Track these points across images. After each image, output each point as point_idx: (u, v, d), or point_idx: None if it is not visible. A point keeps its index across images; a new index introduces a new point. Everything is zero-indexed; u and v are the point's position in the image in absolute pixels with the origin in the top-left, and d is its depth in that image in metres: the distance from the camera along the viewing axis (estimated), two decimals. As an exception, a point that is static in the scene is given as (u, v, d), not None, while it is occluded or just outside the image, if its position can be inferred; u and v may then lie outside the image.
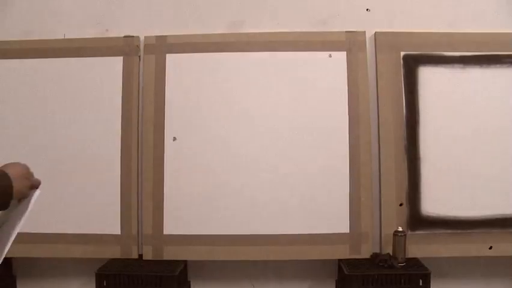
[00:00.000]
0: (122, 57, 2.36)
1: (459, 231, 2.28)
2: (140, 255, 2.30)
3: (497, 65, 2.33)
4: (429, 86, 2.33)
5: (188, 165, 2.31)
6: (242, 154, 2.33)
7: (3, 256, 1.25)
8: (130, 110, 2.34)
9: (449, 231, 2.28)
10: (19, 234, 2.45)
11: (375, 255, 2.27)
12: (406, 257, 2.20)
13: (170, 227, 2.30)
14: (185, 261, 2.32)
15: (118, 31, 2.40)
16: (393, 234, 2.21)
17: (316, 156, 2.31)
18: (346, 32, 2.37)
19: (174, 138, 2.30)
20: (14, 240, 2.42)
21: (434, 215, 2.29)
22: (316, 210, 2.29)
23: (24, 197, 1.21)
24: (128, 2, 2.45)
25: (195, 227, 2.26)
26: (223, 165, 2.32)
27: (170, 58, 2.36)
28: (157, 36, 2.38)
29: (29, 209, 1.23)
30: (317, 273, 2.43)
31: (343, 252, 2.28)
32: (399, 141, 2.32)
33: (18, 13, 2.47)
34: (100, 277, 2.14)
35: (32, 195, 1.24)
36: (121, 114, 2.34)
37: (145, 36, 2.40)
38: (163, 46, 2.37)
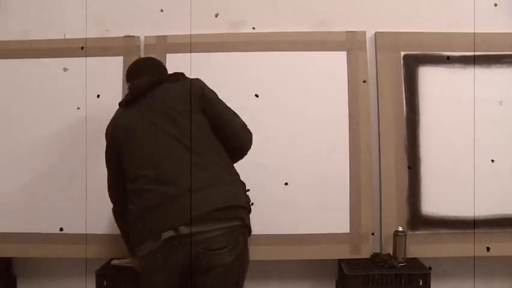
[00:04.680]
0: (122, 57, 2.36)
1: (459, 231, 2.28)
2: (141, 255, 2.30)
3: (497, 65, 2.34)
4: (429, 86, 2.33)
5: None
6: (242, 154, 2.33)
7: None
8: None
9: (449, 231, 2.28)
10: (19, 234, 2.46)
11: (375, 255, 2.27)
12: (406, 257, 2.20)
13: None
14: (185, 261, 2.32)
15: (118, 31, 2.41)
16: (394, 234, 2.21)
17: (317, 156, 2.31)
18: (346, 32, 2.37)
19: None
20: (13, 240, 2.44)
21: (434, 215, 2.29)
22: (317, 210, 2.29)
23: None
24: (128, 2, 2.46)
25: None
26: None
27: (170, 58, 2.36)
28: (157, 36, 2.38)
29: None
30: (317, 273, 2.43)
31: (343, 252, 2.28)
32: (400, 141, 2.32)
33: (18, 13, 2.47)
34: (100, 277, 2.14)
35: None
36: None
37: (145, 36, 2.40)
38: (163, 46, 2.38)
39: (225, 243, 1.64)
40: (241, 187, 1.78)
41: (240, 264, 1.70)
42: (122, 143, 1.77)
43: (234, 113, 1.85)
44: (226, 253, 1.64)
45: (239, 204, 1.69)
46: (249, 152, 2.30)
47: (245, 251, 1.73)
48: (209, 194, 1.64)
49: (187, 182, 1.62)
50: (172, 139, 1.69)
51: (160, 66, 1.98)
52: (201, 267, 1.64)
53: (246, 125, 1.86)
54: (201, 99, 1.76)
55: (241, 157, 1.88)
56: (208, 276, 1.65)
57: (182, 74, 1.87)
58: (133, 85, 1.84)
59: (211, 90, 1.84)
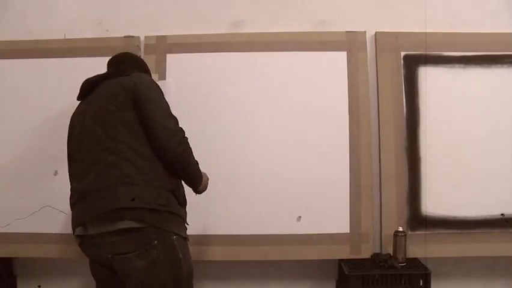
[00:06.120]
0: (122, 57, 2.36)
1: (459, 231, 2.28)
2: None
3: (497, 65, 2.34)
4: (429, 86, 2.33)
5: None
6: (241, 154, 2.33)
7: None
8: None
9: (449, 231, 2.28)
10: (19, 234, 2.45)
11: (375, 255, 2.27)
12: (406, 257, 2.21)
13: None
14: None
15: (118, 31, 2.41)
16: (394, 234, 2.21)
17: (317, 156, 2.31)
18: (346, 32, 2.37)
19: None
20: (13, 241, 2.43)
21: (434, 215, 2.29)
22: (317, 210, 2.29)
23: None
24: (128, 2, 2.45)
25: (194, 227, 2.25)
26: (221, 165, 2.32)
27: (170, 58, 2.37)
28: (157, 36, 2.38)
29: None
30: (318, 273, 2.44)
31: (343, 252, 2.28)
32: (400, 141, 2.32)
33: (18, 13, 2.47)
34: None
35: None
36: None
37: (145, 36, 2.40)
38: (163, 46, 2.38)
39: (133, 248, 1.58)
40: (156, 189, 1.64)
41: (166, 267, 1.62)
42: (68, 135, 1.83)
43: (170, 116, 1.71)
44: (136, 258, 1.58)
45: (141, 206, 1.58)
46: (247, 153, 2.33)
47: (170, 255, 1.64)
48: (107, 195, 1.59)
49: (96, 181, 1.62)
50: (94, 136, 1.66)
51: (129, 61, 1.91)
52: (119, 270, 1.63)
53: (177, 131, 1.70)
54: (132, 97, 1.66)
55: (168, 159, 1.69)
56: (130, 280, 1.62)
57: (128, 69, 1.80)
58: (84, 81, 1.84)
59: (151, 88, 1.72)
